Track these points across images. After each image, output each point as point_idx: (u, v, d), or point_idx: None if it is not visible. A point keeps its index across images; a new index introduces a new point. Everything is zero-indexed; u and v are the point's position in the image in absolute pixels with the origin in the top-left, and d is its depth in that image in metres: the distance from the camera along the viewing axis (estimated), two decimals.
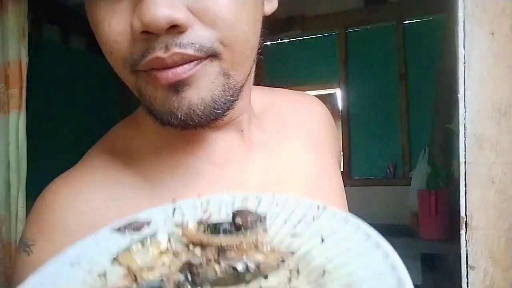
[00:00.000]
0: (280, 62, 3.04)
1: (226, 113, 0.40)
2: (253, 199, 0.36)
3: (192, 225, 0.33)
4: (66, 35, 3.18)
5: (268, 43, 3.07)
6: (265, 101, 0.55)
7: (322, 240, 0.31)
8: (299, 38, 3.00)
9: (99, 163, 0.46)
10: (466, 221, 0.44)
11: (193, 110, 0.37)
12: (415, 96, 2.66)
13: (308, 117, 0.57)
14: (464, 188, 0.44)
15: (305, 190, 0.50)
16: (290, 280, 0.27)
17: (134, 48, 0.36)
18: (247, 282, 0.28)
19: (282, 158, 0.50)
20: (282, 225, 0.33)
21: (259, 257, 0.29)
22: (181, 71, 0.35)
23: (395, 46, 2.71)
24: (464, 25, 0.45)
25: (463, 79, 0.44)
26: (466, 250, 0.44)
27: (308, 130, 0.55)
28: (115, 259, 0.31)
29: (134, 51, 0.36)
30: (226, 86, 0.38)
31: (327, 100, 2.94)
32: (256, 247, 0.30)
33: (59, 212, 0.42)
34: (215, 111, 0.38)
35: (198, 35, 0.35)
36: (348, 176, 2.82)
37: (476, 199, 0.44)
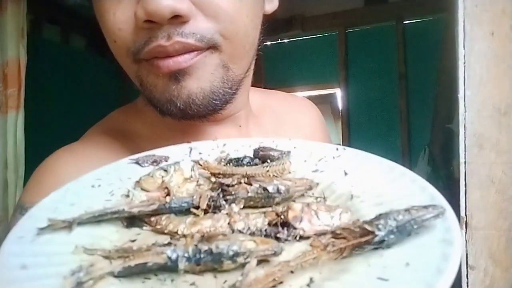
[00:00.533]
0: (280, 62, 3.04)
1: (224, 106, 0.41)
2: (269, 142, 0.37)
3: (212, 161, 0.34)
4: (66, 35, 3.18)
5: (268, 43, 3.07)
6: (263, 101, 0.56)
7: (346, 173, 0.31)
8: (299, 38, 2.99)
9: (100, 140, 0.47)
10: (466, 221, 0.44)
11: (192, 99, 0.37)
12: (415, 96, 2.66)
13: (302, 118, 0.59)
14: (464, 188, 0.44)
15: None
16: (309, 205, 0.28)
17: (137, 36, 0.37)
18: (276, 204, 0.29)
19: None
20: (302, 163, 0.34)
21: (288, 183, 0.30)
22: (182, 60, 0.36)
23: (395, 46, 2.71)
24: (464, 25, 0.45)
25: (463, 79, 0.44)
26: (466, 250, 0.44)
27: (302, 130, 0.57)
28: (138, 183, 0.32)
29: (137, 39, 0.37)
30: (225, 78, 0.39)
31: (327, 100, 2.95)
32: (282, 175, 0.31)
33: (60, 176, 0.41)
34: (214, 101, 0.39)
35: (199, 26, 0.36)
36: None
37: (476, 199, 0.44)
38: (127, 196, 0.31)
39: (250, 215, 0.28)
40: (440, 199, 0.27)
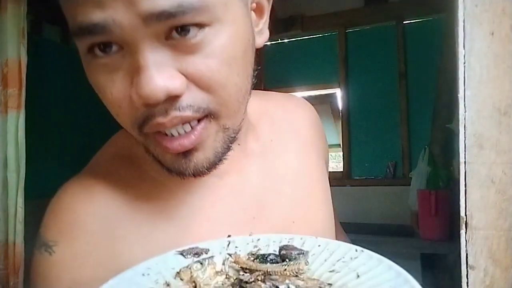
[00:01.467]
0: (280, 62, 3.04)
1: (228, 153, 0.44)
2: (298, 240, 0.41)
3: (243, 255, 0.39)
4: (66, 35, 3.18)
5: (268, 43, 3.07)
6: (259, 107, 0.57)
7: (358, 276, 0.34)
8: (299, 38, 3.00)
9: (109, 169, 0.48)
10: (466, 221, 0.43)
11: (199, 168, 0.41)
12: (415, 96, 2.66)
13: (299, 121, 0.60)
14: (464, 188, 0.44)
15: (294, 194, 0.54)
16: None
17: (136, 113, 0.38)
18: None
19: (275, 166, 0.54)
20: (322, 263, 0.37)
21: (300, 282, 0.33)
22: (188, 143, 0.38)
23: (395, 46, 2.71)
24: (464, 25, 0.45)
25: (463, 79, 0.44)
26: (466, 250, 0.44)
27: (299, 134, 0.58)
28: (178, 274, 0.37)
29: (137, 115, 0.38)
30: (226, 138, 0.42)
31: (327, 100, 2.95)
32: (297, 275, 0.35)
33: (78, 214, 0.44)
34: (218, 161, 0.42)
35: (194, 97, 0.37)
36: (348, 176, 2.82)
37: (476, 199, 0.44)
38: (168, 285, 0.36)
39: None
40: None
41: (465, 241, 0.43)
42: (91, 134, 3.31)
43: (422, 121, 2.53)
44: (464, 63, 0.44)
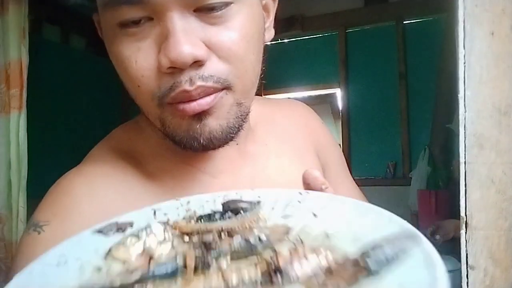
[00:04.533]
0: (280, 62, 3.03)
1: (238, 135, 0.45)
2: (234, 195, 0.37)
3: (180, 220, 0.34)
4: (66, 35, 3.18)
5: (268, 43, 3.06)
6: (257, 111, 0.57)
7: (315, 215, 0.33)
8: (299, 38, 2.99)
9: (107, 160, 0.48)
10: (466, 221, 0.44)
11: (213, 135, 0.42)
12: (415, 96, 2.66)
13: (295, 126, 0.60)
14: (464, 188, 0.44)
15: None
16: (296, 248, 0.29)
17: (161, 82, 0.39)
18: (259, 254, 0.29)
19: (268, 169, 0.54)
20: (271, 211, 0.35)
21: (266, 231, 0.31)
22: (205, 103, 0.40)
23: (395, 46, 2.71)
24: (464, 25, 0.45)
25: (463, 79, 0.44)
26: (466, 250, 0.44)
27: (294, 139, 0.59)
28: (109, 253, 0.31)
29: (161, 85, 0.40)
30: (239, 114, 0.44)
31: (327, 100, 2.95)
32: (254, 226, 0.32)
33: (75, 197, 0.44)
34: (230, 135, 0.43)
35: (215, 68, 0.39)
36: None
37: (476, 199, 0.44)
38: (99, 269, 0.29)
39: (242, 268, 0.28)
40: (409, 227, 0.28)
41: (465, 241, 0.43)
42: (91, 134, 3.31)
43: (422, 121, 2.53)
44: (464, 63, 0.44)
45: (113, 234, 0.33)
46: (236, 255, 0.29)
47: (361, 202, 0.33)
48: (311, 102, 2.88)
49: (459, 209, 0.44)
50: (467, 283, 0.43)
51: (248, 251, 0.29)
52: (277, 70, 3.04)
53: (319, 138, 0.63)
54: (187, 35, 0.37)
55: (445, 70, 2.17)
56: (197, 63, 0.38)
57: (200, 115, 0.41)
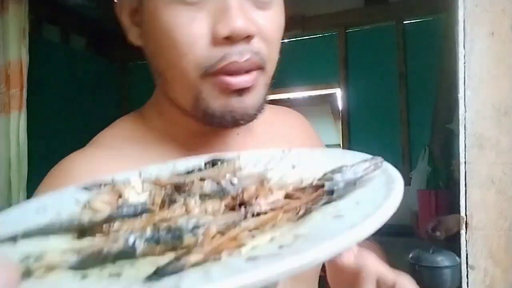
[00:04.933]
0: (280, 62, 3.03)
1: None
2: (219, 155, 0.39)
3: (163, 176, 0.35)
4: (66, 35, 3.18)
5: None
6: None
7: (293, 166, 0.35)
8: (299, 38, 2.99)
9: (110, 144, 0.50)
10: (466, 221, 0.44)
11: (247, 112, 0.44)
12: (415, 96, 2.66)
13: (292, 132, 0.62)
14: (464, 188, 0.44)
15: None
16: (263, 186, 0.31)
17: (211, 52, 0.41)
18: (233, 198, 0.29)
19: None
20: (252, 167, 0.36)
21: (241, 175, 0.32)
22: (250, 79, 0.43)
23: (395, 46, 2.71)
24: (464, 25, 0.45)
25: (463, 79, 0.44)
26: (466, 250, 0.44)
27: (293, 143, 0.60)
28: (87, 204, 0.31)
29: (211, 55, 0.41)
30: (265, 95, 0.47)
31: (327, 100, 2.94)
32: (234, 173, 0.33)
33: (75, 177, 0.43)
34: (257, 113, 0.46)
35: (259, 46, 0.44)
36: None
37: (476, 199, 0.44)
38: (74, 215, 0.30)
39: (207, 201, 0.29)
40: (376, 157, 0.31)
41: (465, 241, 0.43)
42: (91, 134, 3.31)
43: (422, 121, 2.53)
44: (464, 63, 0.44)
45: (97, 190, 0.34)
46: (206, 197, 0.29)
47: (339, 149, 0.34)
48: (311, 102, 2.88)
49: (459, 209, 0.44)
50: (467, 283, 0.43)
51: (218, 193, 0.30)
52: (277, 70, 3.03)
53: (314, 146, 0.64)
54: (243, 12, 0.41)
55: (445, 70, 2.17)
56: (248, 38, 0.42)
57: (241, 91, 0.43)
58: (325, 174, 0.29)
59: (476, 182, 0.44)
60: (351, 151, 0.36)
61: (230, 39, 0.41)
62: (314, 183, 0.28)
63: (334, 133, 2.97)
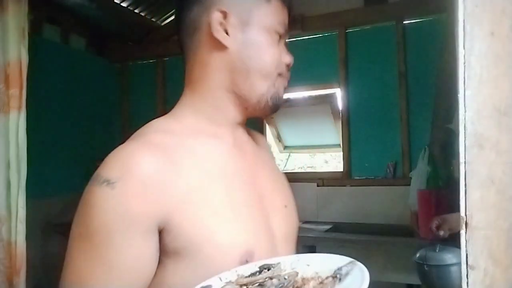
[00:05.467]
0: None
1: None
2: (263, 262, 0.58)
3: (236, 278, 0.54)
4: (66, 35, 3.18)
5: None
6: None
7: (308, 265, 0.56)
8: (299, 38, 2.99)
9: (154, 136, 0.61)
10: (466, 221, 0.43)
11: (282, 100, 0.69)
12: (415, 96, 2.66)
13: (269, 155, 0.85)
14: (464, 188, 0.44)
15: (284, 185, 0.79)
16: (304, 279, 0.54)
17: (280, 66, 0.69)
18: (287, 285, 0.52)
19: (265, 159, 0.79)
20: (285, 266, 0.57)
21: (286, 275, 0.54)
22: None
23: (395, 46, 2.71)
24: (464, 25, 0.45)
25: (463, 79, 0.44)
26: (466, 250, 0.44)
27: (271, 163, 0.83)
28: None
29: (280, 67, 0.69)
30: None
31: (327, 100, 2.94)
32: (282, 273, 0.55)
33: (136, 159, 0.55)
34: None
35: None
36: (348, 176, 2.82)
37: (476, 199, 0.44)
38: None
39: None
40: (352, 260, 0.53)
41: (465, 241, 0.43)
42: (90, 134, 3.31)
43: (422, 121, 2.53)
44: (464, 63, 0.44)
45: None
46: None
47: (329, 255, 0.57)
48: (311, 102, 2.88)
49: (459, 209, 0.44)
50: (467, 283, 0.43)
51: (282, 286, 0.52)
52: None
53: (272, 159, 0.86)
54: None
55: (445, 70, 2.17)
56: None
57: (285, 89, 0.71)
58: (335, 271, 0.52)
59: (476, 182, 0.44)
60: (335, 255, 0.56)
61: (288, 64, 0.71)
62: (331, 275, 0.53)
63: (334, 133, 2.97)
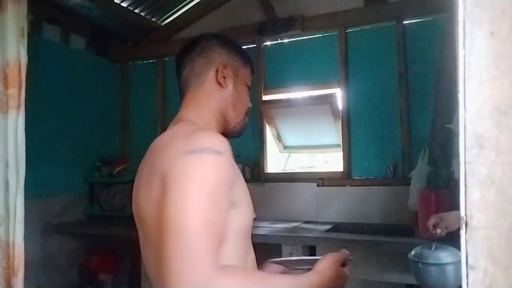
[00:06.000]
0: (280, 62, 3.04)
1: None
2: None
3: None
4: (66, 35, 3.18)
5: (268, 43, 3.07)
6: None
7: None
8: (299, 38, 2.99)
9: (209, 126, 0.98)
10: (466, 221, 0.43)
11: (244, 130, 1.06)
12: (415, 96, 2.66)
13: None
14: (464, 188, 0.44)
15: None
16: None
17: (248, 107, 1.05)
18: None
19: None
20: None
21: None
22: None
23: (395, 46, 2.71)
24: (464, 25, 0.45)
25: (463, 79, 0.44)
26: (466, 250, 0.44)
27: None
28: None
29: (248, 107, 1.05)
30: None
31: (327, 100, 2.94)
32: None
33: (227, 143, 0.82)
34: None
35: None
36: (348, 176, 2.82)
37: (476, 199, 0.44)
38: None
39: None
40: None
41: (465, 241, 0.43)
42: (90, 134, 3.31)
43: (422, 121, 2.53)
44: (464, 63, 0.44)
45: None
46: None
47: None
48: (311, 102, 2.88)
49: (459, 209, 0.44)
50: (467, 283, 0.43)
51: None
52: (277, 70, 3.04)
53: None
54: None
55: (444, 70, 2.17)
56: None
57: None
58: None
59: (476, 182, 0.43)
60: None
61: (249, 108, 1.06)
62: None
63: (334, 133, 2.96)
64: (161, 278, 0.68)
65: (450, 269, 1.32)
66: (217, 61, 0.97)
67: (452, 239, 1.38)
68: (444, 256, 1.34)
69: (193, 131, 0.83)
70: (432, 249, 1.38)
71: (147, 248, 0.85)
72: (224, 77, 0.97)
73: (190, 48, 0.99)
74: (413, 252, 1.44)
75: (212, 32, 1.06)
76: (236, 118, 0.99)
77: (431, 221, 1.47)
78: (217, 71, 0.96)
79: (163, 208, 0.72)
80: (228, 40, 1.02)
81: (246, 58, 1.03)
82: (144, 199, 0.82)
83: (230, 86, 0.97)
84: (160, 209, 0.73)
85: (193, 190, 0.71)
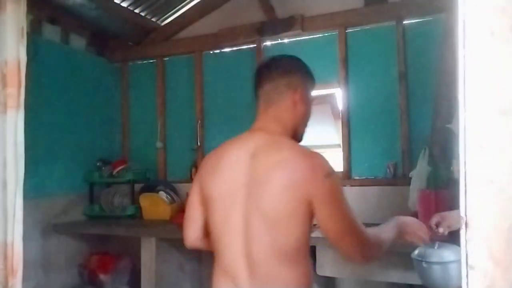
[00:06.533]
0: None
1: None
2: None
3: None
4: (66, 35, 3.18)
5: (268, 43, 3.06)
6: None
7: None
8: (299, 38, 2.99)
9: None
10: (466, 221, 0.43)
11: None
12: (415, 96, 2.66)
13: None
14: (464, 188, 0.44)
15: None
16: None
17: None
18: None
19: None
20: None
21: None
22: None
23: (395, 46, 2.71)
24: (464, 25, 0.45)
25: (463, 79, 0.44)
26: (466, 250, 0.44)
27: None
28: None
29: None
30: None
31: (327, 100, 2.94)
32: None
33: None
34: None
35: None
36: (348, 176, 2.81)
37: (476, 199, 0.44)
38: None
39: None
40: None
41: (465, 241, 0.43)
42: (90, 134, 3.31)
43: (422, 121, 2.52)
44: (464, 63, 0.44)
45: None
46: None
47: None
48: None
49: (459, 209, 0.44)
50: (467, 283, 0.43)
51: None
52: None
53: None
54: None
55: (445, 70, 2.17)
56: None
57: None
58: None
59: (476, 182, 0.43)
60: None
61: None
62: None
63: (334, 133, 2.96)
64: (344, 251, 1.11)
65: (454, 267, 1.31)
66: (296, 85, 1.19)
67: (454, 238, 1.38)
68: (448, 254, 1.34)
69: (309, 151, 1.11)
70: (435, 248, 1.38)
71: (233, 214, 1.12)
72: (301, 99, 1.18)
73: (272, 67, 1.23)
74: (416, 252, 1.44)
75: (290, 55, 1.35)
76: (303, 129, 1.23)
77: (434, 220, 1.47)
78: (295, 92, 1.17)
79: (330, 217, 1.09)
80: (304, 64, 1.29)
81: (313, 78, 1.27)
82: (257, 187, 1.08)
83: (303, 107, 1.19)
84: (319, 214, 1.08)
85: (345, 203, 1.11)
